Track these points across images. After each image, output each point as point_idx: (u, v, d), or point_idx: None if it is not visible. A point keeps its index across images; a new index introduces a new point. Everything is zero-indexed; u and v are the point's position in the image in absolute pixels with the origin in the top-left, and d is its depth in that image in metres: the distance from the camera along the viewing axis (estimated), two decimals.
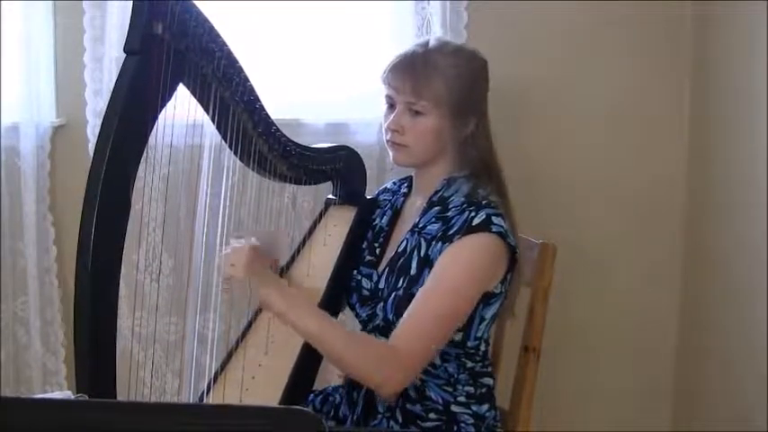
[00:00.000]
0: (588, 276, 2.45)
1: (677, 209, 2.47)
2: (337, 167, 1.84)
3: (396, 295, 1.64)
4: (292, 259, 1.82)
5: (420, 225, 1.68)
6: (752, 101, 2.11)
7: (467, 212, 1.62)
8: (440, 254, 1.60)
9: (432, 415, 1.67)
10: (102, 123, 1.39)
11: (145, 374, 2.21)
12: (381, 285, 1.69)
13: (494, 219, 1.60)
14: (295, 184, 1.79)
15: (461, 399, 1.67)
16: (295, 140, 1.72)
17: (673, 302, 2.50)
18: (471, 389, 1.68)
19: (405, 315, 1.57)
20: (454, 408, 1.67)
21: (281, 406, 1.44)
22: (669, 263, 2.49)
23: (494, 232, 1.59)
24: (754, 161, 2.11)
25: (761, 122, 2.06)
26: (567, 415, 2.49)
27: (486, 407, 1.69)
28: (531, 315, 1.79)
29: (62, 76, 2.36)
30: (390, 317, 1.63)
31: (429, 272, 1.60)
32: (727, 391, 2.25)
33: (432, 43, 1.69)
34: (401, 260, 1.67)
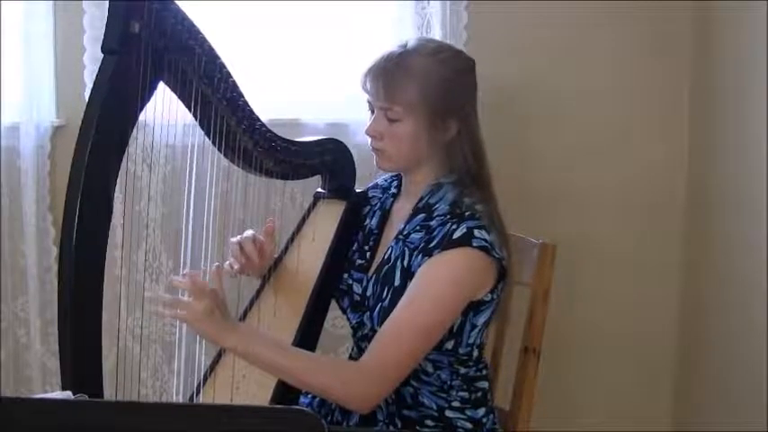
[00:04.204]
0: (588, 276, 2.45)
1: (677, 208, 2.47)
2: (325, 161, 1.80)
3: (381, 306, 1.62)
4: (280, 256, 1.79)
5: (405, 232, 1.64)
6: (752, 100, 2.11)
7: (448, 225, 1.57)
8: (419, 267, 1.57)
9: (428, 421, 1.65)
10: (82, 123, 1.40)
11: (145, 374, 2.22)
12: (369, 293, 1.66)
13: (475, 232, 1.54)
14: (282, 179, 1.76)
15: (456, 404, 1.65)
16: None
17: (673, 302, 2.49)
18: (465, 394, 1.66)
19: (379, 331, 1.56)
20: (449, 413, 1.65)
21: (281, 406, 1.44)
22: (669, 262, 2.49)
23: (475, 246, 1.54)
24: (753, 161, 2.11)
25: (761, 122, 2.06)
26: (567, 415, 2.48)
27: (482, 411, 1.67)
28: (531, 315, 1.78)
29: (62, 76, 2.36)
30: (377, 328, 1.60)
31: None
32: (727, 391, 2.24)
33: (410, 44, 1.63)
34: (386, 268, 1.65)
